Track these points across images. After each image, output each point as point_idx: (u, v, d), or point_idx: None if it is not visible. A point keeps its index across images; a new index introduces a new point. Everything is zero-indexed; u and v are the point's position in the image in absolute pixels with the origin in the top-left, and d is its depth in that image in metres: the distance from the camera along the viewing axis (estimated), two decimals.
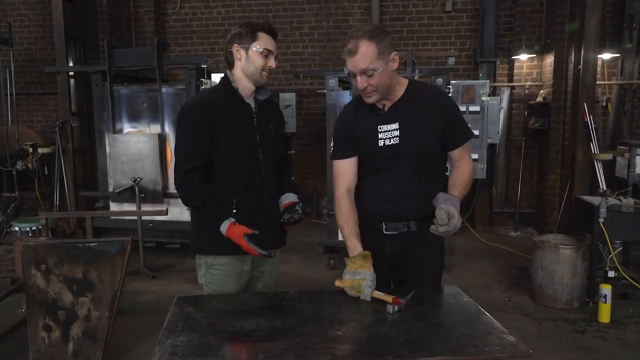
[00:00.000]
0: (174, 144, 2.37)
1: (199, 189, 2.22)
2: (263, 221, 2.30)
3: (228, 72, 2.32)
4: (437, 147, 2.18)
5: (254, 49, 2.22)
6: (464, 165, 2.23)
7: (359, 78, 2.04)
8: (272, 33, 2.26)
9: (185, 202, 2.35)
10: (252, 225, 2.21)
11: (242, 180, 2.28)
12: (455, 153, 2.23)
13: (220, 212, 2.23)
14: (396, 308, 1.88)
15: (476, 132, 5.47)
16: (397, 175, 2.17)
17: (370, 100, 2.12)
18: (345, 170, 2.23)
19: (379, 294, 1.97)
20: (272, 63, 2.25)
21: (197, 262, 2.38)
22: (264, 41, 2.23)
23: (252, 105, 2.32)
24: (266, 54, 2.23)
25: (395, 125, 2.14)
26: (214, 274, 2.33)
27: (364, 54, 2.00)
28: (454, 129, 2.20)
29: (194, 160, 2.22)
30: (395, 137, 2.14)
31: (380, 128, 2.16)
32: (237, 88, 2.28)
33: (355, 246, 2.12)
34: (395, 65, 2.09)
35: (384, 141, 2.15)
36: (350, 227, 2.16)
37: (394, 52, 2.07)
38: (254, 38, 2.22)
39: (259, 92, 2.32)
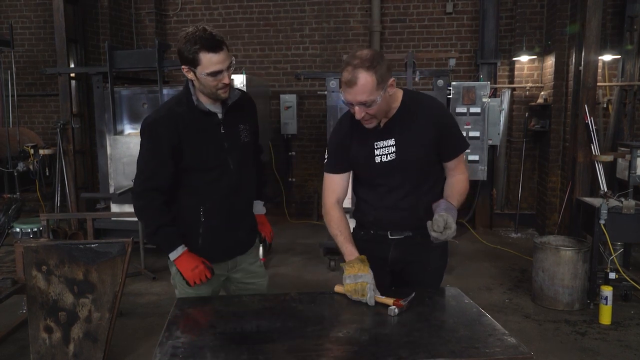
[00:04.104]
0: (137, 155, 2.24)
1: (159, 212, 2.15)
2: (233, 227, 2.27)
3: (189, 82, 2.13)
4: (433, 159, 2.16)
5: (200, 73, 2.01)
6: (460, 175, 2.20)
7: (356, 108, 1.97)
8: (214, 48, 1.97)
9: (138, 215, 2.23)
10: (220, 230, 2.22)
11: (210, 189, 2.20)
12: (451, 163, 2.18)
13: (187, 223, 2.19)
14: (397, 311, 1.88)
15: (477, 134, 5.48)
16: (396, 188, 2.15)
17: (370, 126, 2.07)
18: (336, 185, 2.23)
19: (380, 298, 1.97)
20: (225, 80, 2.03)
21: (169, 261, 2.25)
22: (207, 63, 1.98)
23: (219, 111, 2.17)
24: (214, 74, 2.01)
25: (392, 141, 2.11)
26: (181, 277, 2.22)
27: (363, 86, 1.90)
28: (450, 141, 2.15)
29: (155, 181, 2.14)
30: (391, 153, 2.11)
31: (376, 145, 2.12)
32: (197, 101, 2.12)
33: (351, 251, 2.13)
34: (393, 89, 2.02)
35: (381, 157, 2.12)
36: (343, 233, 2.18)
37: (392, 79, 1.99)
38: (195, 62, 1.99)
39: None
